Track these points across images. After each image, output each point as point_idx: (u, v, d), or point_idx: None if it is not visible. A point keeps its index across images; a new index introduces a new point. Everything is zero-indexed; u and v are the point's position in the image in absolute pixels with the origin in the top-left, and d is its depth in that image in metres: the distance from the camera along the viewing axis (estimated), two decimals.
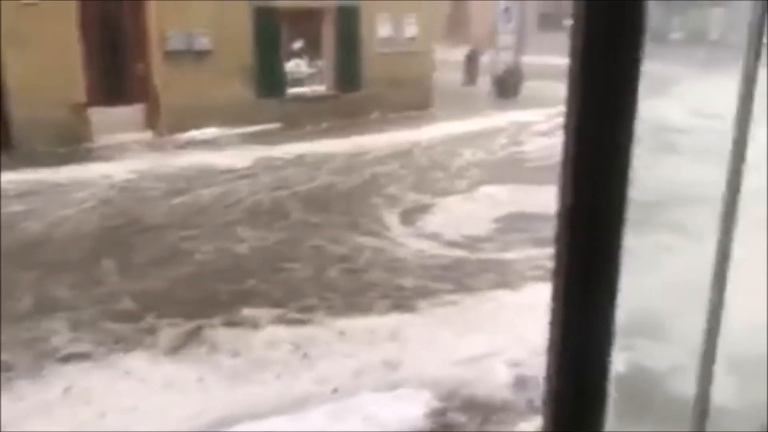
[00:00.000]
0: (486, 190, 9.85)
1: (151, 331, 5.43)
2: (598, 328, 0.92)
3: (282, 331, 5.44)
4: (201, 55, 13.08)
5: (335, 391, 4.56)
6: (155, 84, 12.89)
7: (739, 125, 1.17)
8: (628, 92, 0.88)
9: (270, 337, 5.36)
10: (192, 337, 5.32)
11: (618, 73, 0.87)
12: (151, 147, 12.27)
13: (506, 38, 18.74)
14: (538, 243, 7.95)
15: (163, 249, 7.41)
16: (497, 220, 8.58)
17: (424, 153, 12.38)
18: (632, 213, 0.93)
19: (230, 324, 5.55)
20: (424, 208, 9.06)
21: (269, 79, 14.08)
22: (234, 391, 4.57)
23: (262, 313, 5.75)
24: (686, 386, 1.27)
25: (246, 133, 13.30)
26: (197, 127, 12.89)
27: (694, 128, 14.23)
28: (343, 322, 5.56)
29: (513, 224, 8.48)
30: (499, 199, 9.38)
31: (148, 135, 12.80)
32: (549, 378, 0.95)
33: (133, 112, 12.88)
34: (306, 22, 14.78)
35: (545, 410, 0.96)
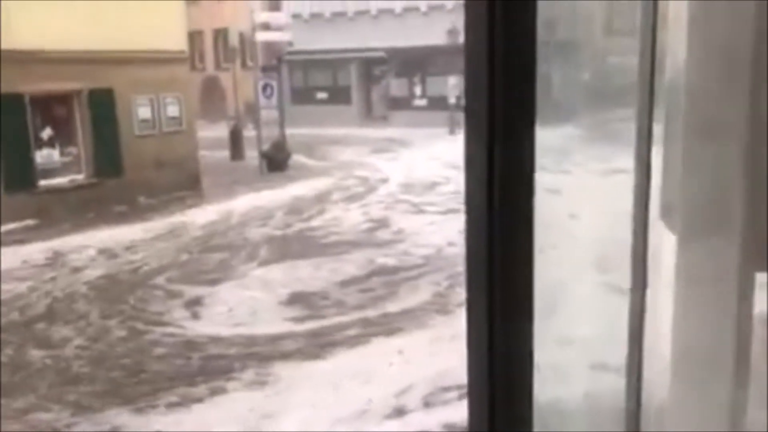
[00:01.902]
0: (260, 273, 9.61)
1: None
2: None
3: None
4: None
5: None
6: None
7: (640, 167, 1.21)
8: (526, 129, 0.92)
9: None
10: None
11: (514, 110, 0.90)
12: None
13: (268, 113, 18.95)
14: (342, 314, 7.96)
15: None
16: (285, 303, 8.40)
17: (198, 236, 11.88)
18: None
19: None
20: (203, 299, 8.66)
21: (18, 172, 12.72)
22: None
23: None
24: None
25: None
26: None
27: (449, 178, 15.53)
28: None
29: (304, 304, 8.35)
30: (278, 280, 9.22)
31: None
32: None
33: None
34: (55, 107, 13.69)
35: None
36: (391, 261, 9.85)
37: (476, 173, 0.92)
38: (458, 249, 10.27)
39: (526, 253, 0.93)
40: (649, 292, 1.22)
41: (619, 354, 1.24)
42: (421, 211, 13.06)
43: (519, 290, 0.93)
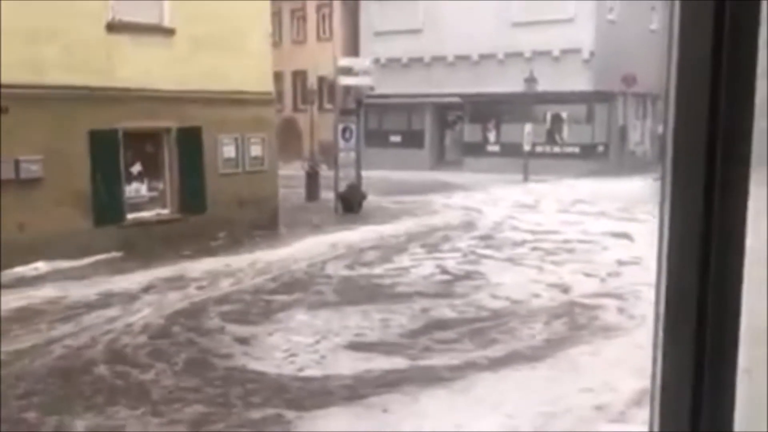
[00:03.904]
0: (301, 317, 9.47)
1: None
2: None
3: None
4: (30, 183, 11.92)
5: None
6: None
7: None
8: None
9: None
10: None
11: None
12: None
13: (344, 155, 19.13)
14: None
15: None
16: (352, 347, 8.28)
17: (275, 275, 11.89)
18: None
19: None
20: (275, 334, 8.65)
21: (108, 205, 13.12)
22: None
23: None
24: None
25: (84, 265, 12.14)
26: (26, 262, 11.55)
27: (531, 230, 15.33)
28: None
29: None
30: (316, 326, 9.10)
31: None
32: None
33: None
34: (146, 143, 14.13)
35: None
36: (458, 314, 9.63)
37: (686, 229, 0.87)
38: (544, 300, 10.07)
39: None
40: None
41: None
42: (509, 264, 12.65)
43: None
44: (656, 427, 0.93)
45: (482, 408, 6.54)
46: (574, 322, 9.04)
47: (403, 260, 13.00)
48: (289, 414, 6.47)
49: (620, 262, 12.12)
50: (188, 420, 6.39)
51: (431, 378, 7.22)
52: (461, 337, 8.54)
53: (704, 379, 0.89)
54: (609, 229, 15.16)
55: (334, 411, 6.60)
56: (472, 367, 7.50)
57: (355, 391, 7.00)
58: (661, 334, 0.92)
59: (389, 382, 7.15)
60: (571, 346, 8.12)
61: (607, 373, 7.17)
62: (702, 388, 0.89)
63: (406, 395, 6.81)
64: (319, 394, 6.95)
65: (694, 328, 0.89)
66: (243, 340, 8.55)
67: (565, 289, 10.60)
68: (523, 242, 14.33)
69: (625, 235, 14.44)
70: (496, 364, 7.56)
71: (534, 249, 13.64)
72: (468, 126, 29.98)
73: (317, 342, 8.40)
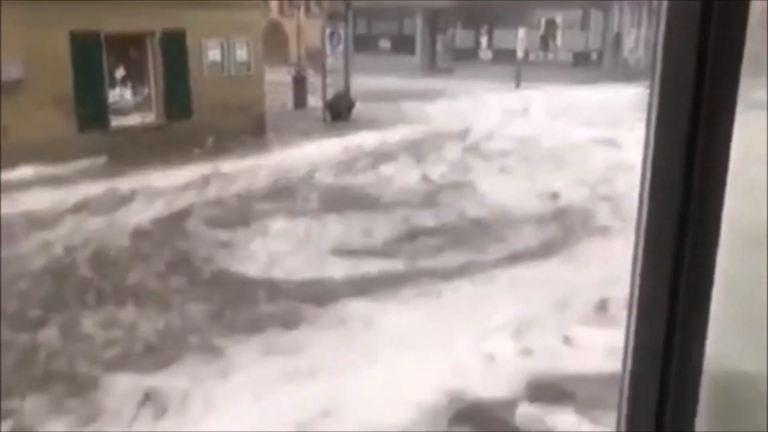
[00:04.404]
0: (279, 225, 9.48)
1: None
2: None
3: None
4: (11, 85, 11.64)
5: None
6: None
7: None
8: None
9: None
10: None
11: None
12: None
13: (333, 61, 18.76)
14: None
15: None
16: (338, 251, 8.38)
17: (263, 184, 11.82)
18: None
19: None
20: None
21: (91, 109, 12.88)
22: None
23: None
24: None
25: (67, 170, 12.00)
26: (9, 167, 11.41)
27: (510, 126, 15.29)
28: None
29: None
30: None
31: None
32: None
33: None
34: (129, 47, 13.75)
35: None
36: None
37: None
38: (535, 207, 10.15)
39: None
40: None
41: None
42: (498, 173, 12.60)
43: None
44: (632, 338, 0.94)
45: (498, 299, 6.77)
46: (567, 226, 9.21)
47: (391, 169, 12.94)
48: (305, 308, 6.54)
49: (610, 168, 12.15)
50: (196, 316, 6.49)
51: (437, 276, 7.42)
52: (448, 244, 8.64)
53: (680, 289, 0.89)
54: (599, 137, 15.12)
55: (353, 301, 6.69)
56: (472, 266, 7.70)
57: (360, 288, 7.11)
58: (642, 240, 0.92)
59: (390, 280, 7.29)
60: (566, 247, 8.39)
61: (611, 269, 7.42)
62: (678, 299, 0.89)
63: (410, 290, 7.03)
64: (323, 292, 7.03)
65: (675, 234, 0.88)
66: (224, 244, 8.59)
67: (555, 195, 10.67)
68: (513, 151, 14.28)
69: (615, 143, 14.41)
70: (501, 263, 7.85)
71: (524, 158, 13.61)
72: (460, 31, 29.32)
73: (298, 249, 8.47)
